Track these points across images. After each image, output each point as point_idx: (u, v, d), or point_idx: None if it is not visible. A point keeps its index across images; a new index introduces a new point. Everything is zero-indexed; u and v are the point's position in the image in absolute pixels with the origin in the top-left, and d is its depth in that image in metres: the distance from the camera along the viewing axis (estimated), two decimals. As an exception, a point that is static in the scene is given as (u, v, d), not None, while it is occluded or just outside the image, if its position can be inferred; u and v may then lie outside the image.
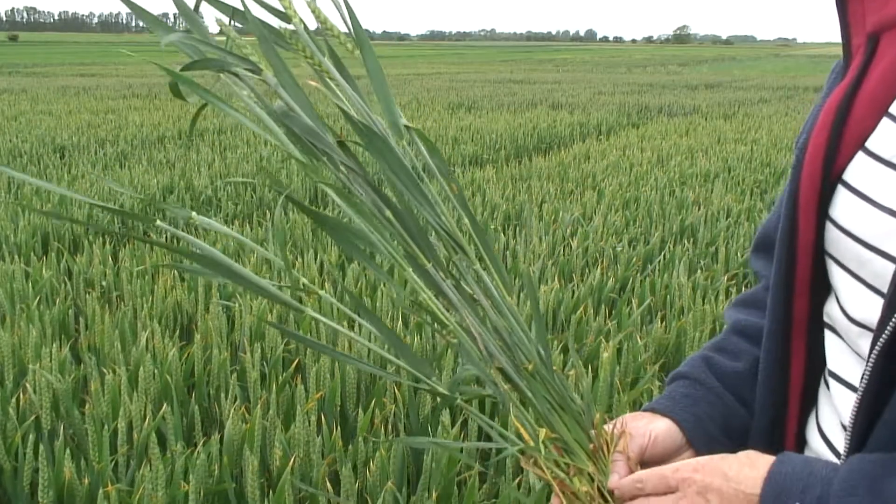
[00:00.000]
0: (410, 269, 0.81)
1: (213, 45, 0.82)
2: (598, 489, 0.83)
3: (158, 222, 0.83)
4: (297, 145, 0.81)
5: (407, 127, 0.84)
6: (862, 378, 0.72)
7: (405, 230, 0.81)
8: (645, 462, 0.85)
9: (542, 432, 0.83)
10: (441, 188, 0.84)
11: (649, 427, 0.87)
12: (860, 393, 0.73)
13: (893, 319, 0.69)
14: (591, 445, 0.85)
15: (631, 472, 0.83)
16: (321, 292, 0.84)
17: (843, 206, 0.76)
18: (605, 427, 0.86)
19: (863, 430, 0.73)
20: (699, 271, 4.23)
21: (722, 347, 0.95)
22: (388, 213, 0.81)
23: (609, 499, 0.83)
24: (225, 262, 0.82)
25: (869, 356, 0.71)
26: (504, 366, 0.83)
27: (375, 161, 0.80)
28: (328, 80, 0.82)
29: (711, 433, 0.89)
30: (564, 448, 0.85)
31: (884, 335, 0.69)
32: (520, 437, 0.85)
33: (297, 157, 0.80)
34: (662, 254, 4.55)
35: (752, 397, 0.89)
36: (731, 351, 0.94)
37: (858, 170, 0.75)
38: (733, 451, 0.83)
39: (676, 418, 0.88)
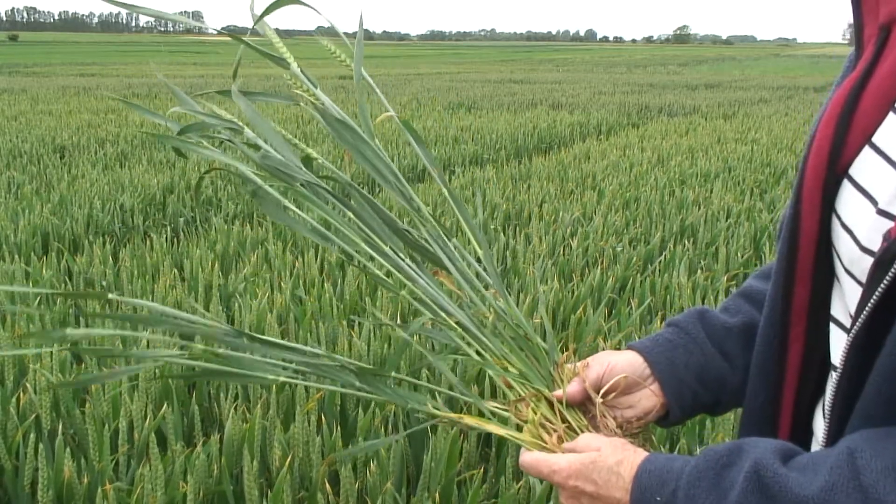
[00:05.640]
0: (366, 249, 1.02)
1: (203, 112, 1.04)
2: (559, 413, 0.94)
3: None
4: (275, 179, 1.06)
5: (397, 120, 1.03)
6: (835, 369, 0.74)
7: (365, 224, 1.02)
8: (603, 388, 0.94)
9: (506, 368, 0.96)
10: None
11: (609, 358, 0.95)
12: (834, 383, 0.74)
13: (864, 312, 0.69)
14: (553, 378, 0.96)
15: (584, 391, 0.93)
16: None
17: (846, 202, 0.75)
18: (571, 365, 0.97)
19: (840, 420, 0.74)
20: (699, 271, 4.23)
21: (725, 307, 1.01)
22: (349, 214, 1.02)
23: (568, 419, 0.93)
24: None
25: (847, 349, 0.72)
26: (461, 319, 0.98)
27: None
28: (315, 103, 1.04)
29: (683, 378, 0.95)
30: (525, 379, 0.96)
31: (856, 326, 0.70)
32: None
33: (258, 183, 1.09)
34: (663, 254, 4.55)
35: (737, 352, 0.96)
36: (731, 309, 1.00)
37: (863, 165, 0.74)
38: (706, 397, 0.96)
39: (651, 360, 0.95)
